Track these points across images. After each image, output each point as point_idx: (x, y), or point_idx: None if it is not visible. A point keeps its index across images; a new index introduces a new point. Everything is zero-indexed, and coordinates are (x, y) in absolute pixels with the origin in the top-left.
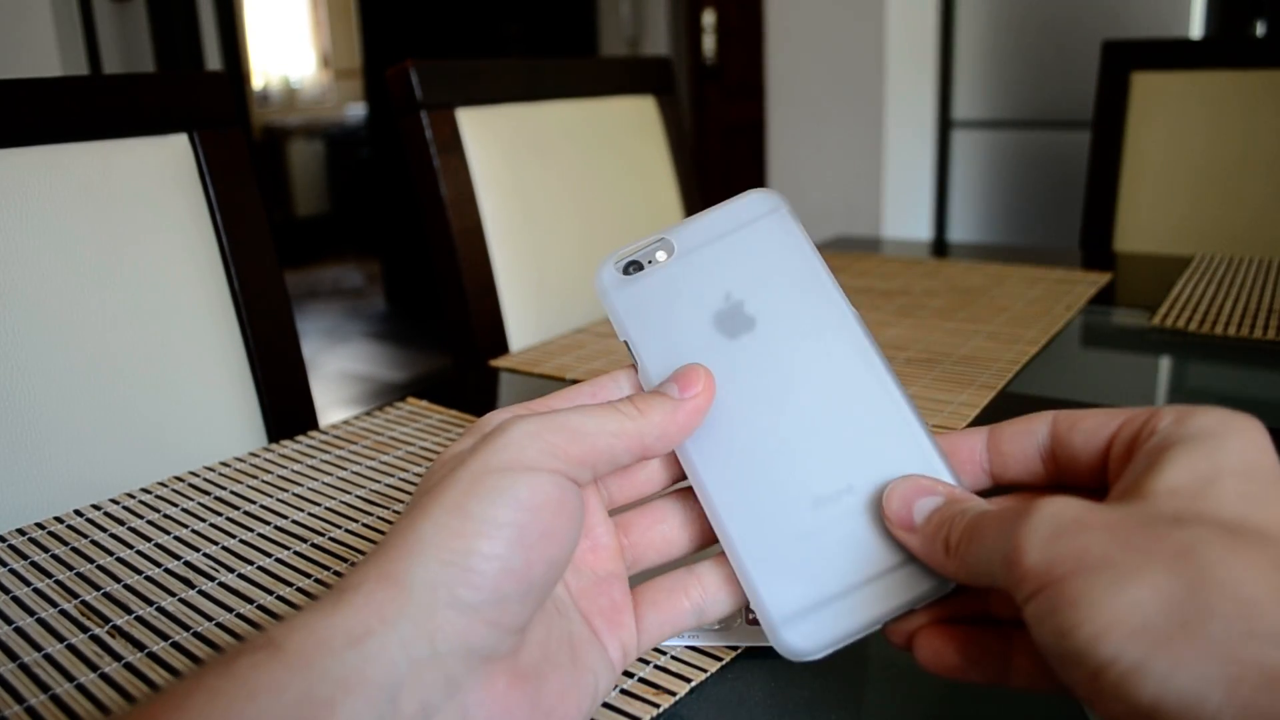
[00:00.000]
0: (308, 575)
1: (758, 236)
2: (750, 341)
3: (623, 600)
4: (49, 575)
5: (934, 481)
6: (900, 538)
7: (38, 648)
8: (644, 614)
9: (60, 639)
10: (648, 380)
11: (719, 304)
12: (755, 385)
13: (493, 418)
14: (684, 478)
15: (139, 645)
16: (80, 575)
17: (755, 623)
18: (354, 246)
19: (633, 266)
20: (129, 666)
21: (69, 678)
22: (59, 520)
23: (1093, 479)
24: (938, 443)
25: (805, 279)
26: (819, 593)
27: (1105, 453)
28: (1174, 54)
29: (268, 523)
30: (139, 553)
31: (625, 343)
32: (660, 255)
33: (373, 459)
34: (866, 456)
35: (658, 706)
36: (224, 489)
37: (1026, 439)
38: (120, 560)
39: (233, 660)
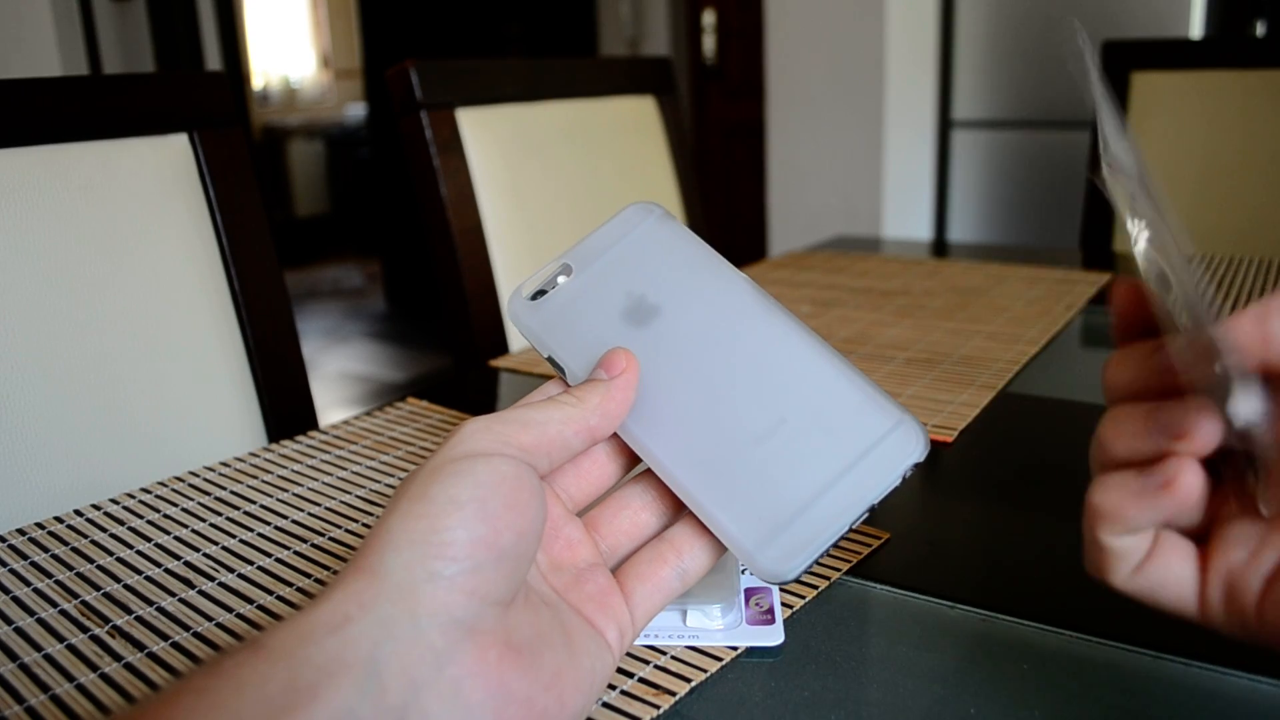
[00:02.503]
0: (308, 575)
1: (644, 239)
2: (661, 324)
3: (608, 585)
4: (49, 575)
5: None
6: (1249, 345)
7: (38, 648)
8: (631, 591)
9: (60, 639)
10: (577, 381)
11: (623, 301)
12: (675, 359)
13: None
14: (635, 466)
15: (139, 645)
16: (80, 575)
17: (756, 622)
18: (354, 246)
19: (539, 293)
20: (129, 666)
21: (69, 678)
22: (59, 520)
23: None
24: (851, 364)
25: (695, 263)
26: (782, 515)
27: None
28: (1174, 54)
29: (268, 523)
30: (139, 553)
31: (549, 359)
32: (560, 278)
33: (373, 459)
34: (790, 388)
35: (658, 707)
36: (224, 489)
37: None
38: (120, 560)
39: (220, 661)
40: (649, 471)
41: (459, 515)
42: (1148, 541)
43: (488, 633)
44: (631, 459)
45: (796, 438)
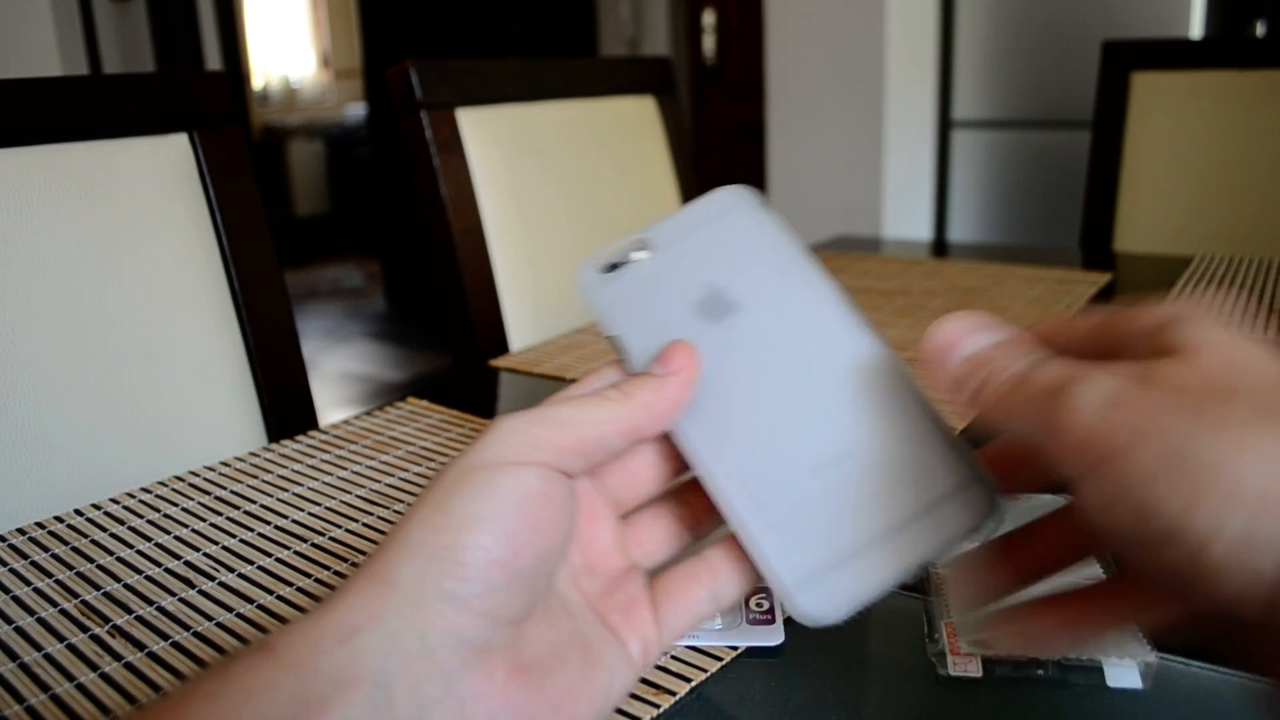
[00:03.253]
0: (308, 575)
1: (731, 228)
2: (735, 323)
3: (640, 595)
4: (49, 575)
5: (998, 326)
6: (933, 362)
7: (38, 647)
8: (661, 606)
9: (60, 639)
10: (637, 369)
11: (700, 292)
12: (744, 364)
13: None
14: (685, 471)
15: (139, 645)
16: (80, 575)
17: (756, 622)
18: (354, 246)
19: (612, 265)
20: (129, 666)
21: (69, 677)
22: (59, 520)
23: None
24: (936, 408)
25: (782, 261)
26: (829, 555)
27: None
28: (1174, 54)
29: (268, 522)
30: (139, 552)
31: (612, 338)
32: (638, 253)
33: (373, 459)
34: (863, 419)
35: (658, 706)
36: (224, 489)
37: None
38: (120, 560)
39: (229, 665)
40: (695, 480)
41: (478, 534)
42: None
43: (497, 652)
44: (683, 466)
45: (860, 475)
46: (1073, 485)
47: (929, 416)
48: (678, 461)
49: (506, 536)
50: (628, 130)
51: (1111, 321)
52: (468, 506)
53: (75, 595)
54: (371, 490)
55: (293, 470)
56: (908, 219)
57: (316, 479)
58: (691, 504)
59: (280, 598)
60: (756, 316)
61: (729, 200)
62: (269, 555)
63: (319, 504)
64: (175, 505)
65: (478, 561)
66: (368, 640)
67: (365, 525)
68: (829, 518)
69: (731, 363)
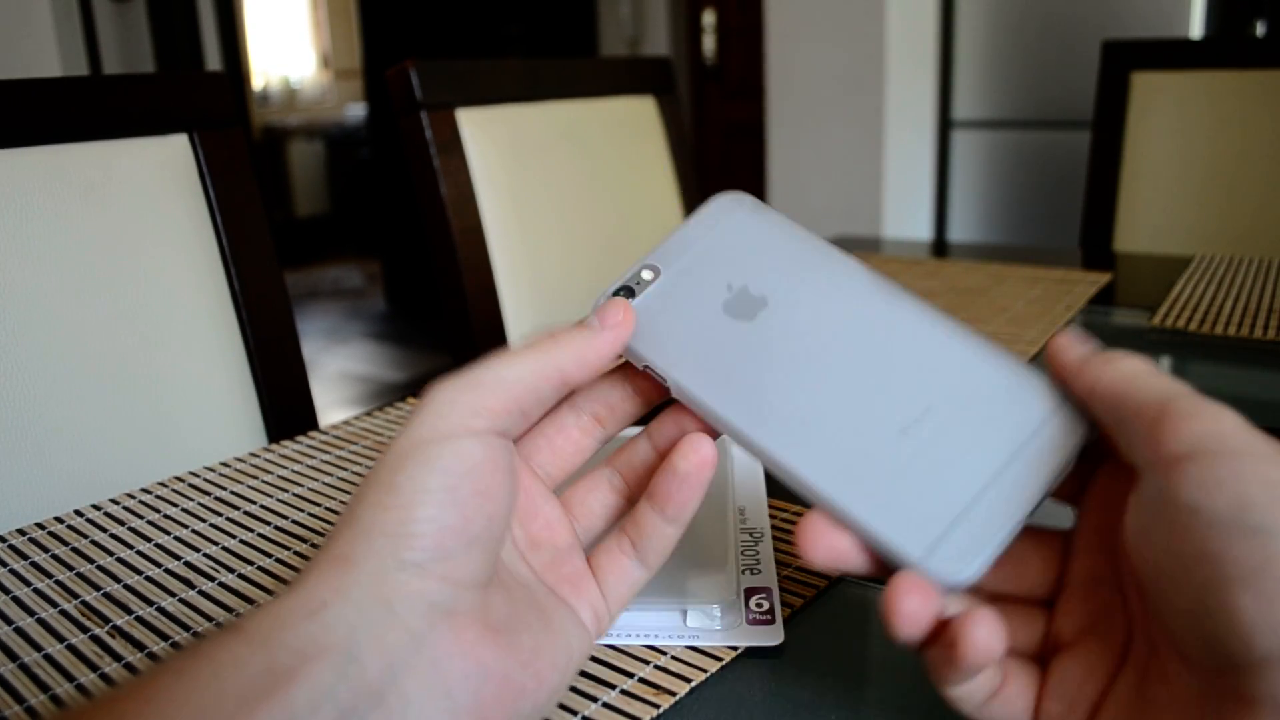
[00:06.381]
0: None
1: (737, 230)
2: (770, 316)
3: (583, 568)
4: (49, 575)
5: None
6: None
7: (38, 648)
8: (601, 578)
9: (60, 639)
10: (685, 395)
11: (723, 295)
12: (792, 353)
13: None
14: (606, 438)
15: (139, 645)
16: (80, 575)
17: (756, 622)
18: (354, 246)
19: (624, 292)
20: (129, 667)
21: (69, 678)
22: (59, 520)
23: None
24: (996, 345)
25: (795, 248)
26: (945, 515)
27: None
28: (1174, 54)
29: (268, 523)
30: (139, 553)
31: (647, 369)
32: (647, 275)
33: (372, 459)
34: (931, 374)
35: (658, 706)
36: (224, 489)
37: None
38: (120, 560)
39: (198, 646)
40: (618, 451)
41: (427, 505)
42: (995, 678)
43: (465, 614)
44: (603, 430)
45: (948, 427)
46: (1159, 468)
47: (995, 356)
48: (595, 432)
49: (455, 505)
50: (628, 130)
51: (1119, 391)
52: (414, 481)
53: (75, 596)
54: None
55: (293, 471)
56: (908, 219)
57: (317, 479)
58: (623, 473)
59: (260, 604)
60: (789, 305)
61: (725, 205)
62: (269, 556)
63: (319, 504)
64: (175, 505)
65: (430, 531)
66: (334, 613)
67: None
68: (932, 478)
69: (779, 355)
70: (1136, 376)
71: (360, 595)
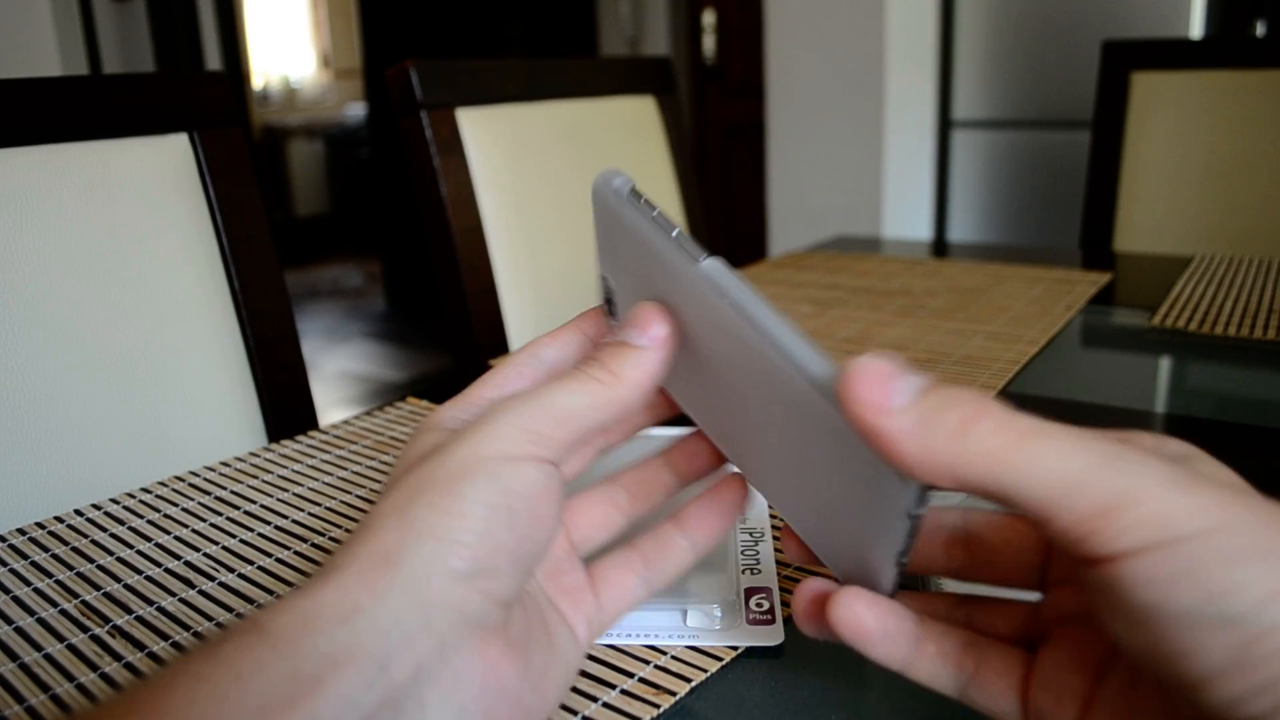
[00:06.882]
0: (308, 575)
1: (619, 227)
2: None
3: (583, 580)
4: (49, 575)
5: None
6: (873, 427)
7: (38, 648)
8: (600, 591)
9: (60, 639)
10: (614, 319)
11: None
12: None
13: (442, 416)
14: (603, 449)
15: (139, 645)
16: (80, 575)
17: (756, 622)
18: (354, 246)
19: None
20: (129, 666)
21: (69, 678)
22: (59, 520)
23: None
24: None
25: (656, 258)
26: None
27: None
28: (1174, 54)
29: (268, 523)
30: (139, 552)
31: (604, 279)
32: (611, 283)
33: (373, 459)
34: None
35: (658, 706)
36: (224, 489)
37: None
38: (120, 560)
39: (218, 645)
40: (628, 470)
41: (488, 520)
42: (904, 647)
43: (491, 630)
44: (599, 442)
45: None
46: (1099, 561)
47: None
48: (593, 443)
49: (511, 526)
50: (628, 130)
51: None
52: (478, 493)
53: (75, 595)
54: (371, 490)
55: (293, 470)
56: (908, 219)
57: (316, 479)
58: (625, 487)
59: (280, 598)
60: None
61: (600, 195)
62: (269, 555)
63: (319, 504)
64: (175, 505)
65: (483, 545)
66: (368, 619)
67: None
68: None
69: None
70: (1009, 461)
71: (399, 599)
